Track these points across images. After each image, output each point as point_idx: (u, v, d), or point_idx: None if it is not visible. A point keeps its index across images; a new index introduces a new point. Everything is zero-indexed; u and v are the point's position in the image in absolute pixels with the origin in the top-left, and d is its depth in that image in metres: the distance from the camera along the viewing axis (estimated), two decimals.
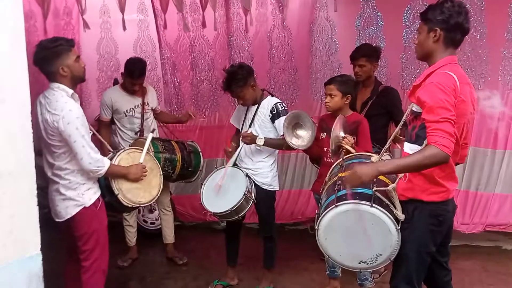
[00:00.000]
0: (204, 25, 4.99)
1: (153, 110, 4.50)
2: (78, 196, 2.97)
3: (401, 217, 2.45)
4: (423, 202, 2.45)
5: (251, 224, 5.03)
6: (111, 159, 3.20)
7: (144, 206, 3.67)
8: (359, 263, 2.51)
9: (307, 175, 5.23)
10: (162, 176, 3.43)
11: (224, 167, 3.77)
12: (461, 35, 2.45)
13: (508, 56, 4.63)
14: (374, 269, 3.70)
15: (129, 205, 3.21)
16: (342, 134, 3.12)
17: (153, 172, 3.37)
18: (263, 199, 3.73)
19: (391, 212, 2.45)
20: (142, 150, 3.36)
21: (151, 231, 5.04)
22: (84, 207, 2.98)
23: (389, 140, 2.76)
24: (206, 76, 5.31)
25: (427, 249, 2.49)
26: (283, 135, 3.58)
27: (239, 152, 3.75)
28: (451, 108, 2.27)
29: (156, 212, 4.98)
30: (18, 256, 2.07)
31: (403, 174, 2.48)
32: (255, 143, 3.59)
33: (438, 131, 2.25)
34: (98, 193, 3.06)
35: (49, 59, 2.85)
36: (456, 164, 2.61)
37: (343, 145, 3.07)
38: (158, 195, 3.39)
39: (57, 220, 3.05)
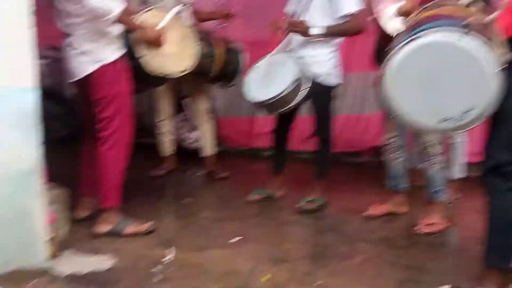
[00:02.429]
0: None
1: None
2: (97, 49, 2.52)
3: (506, 56, 1.78)
4: None
5: (303, 154, 4.44)
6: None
7: (172, 77, 3.01)
8: (440, 121, 1.86)
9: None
10: (199, 47, 2.91)
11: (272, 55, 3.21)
12: None
13: None
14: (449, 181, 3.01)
15: (152, 73, 2.74)
16: None
17: (186, 41, 2.85)
18: (318, 93, 3.15)
19: (490, 49, 1.78)
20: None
21: (191, 149, 4.54)
22: (103, 64, 2.52)
23: None
24: None
25: None
26: (345, 14, 2.99)
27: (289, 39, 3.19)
28: None
29: (196, 132, 4.46)
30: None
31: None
32: (307, 35, 3.03)
33: None
34: (122, 50, 2.60)
35: None
36: None
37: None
38: (190, 69, 2.88)
39: (71, 80, 2.62)
